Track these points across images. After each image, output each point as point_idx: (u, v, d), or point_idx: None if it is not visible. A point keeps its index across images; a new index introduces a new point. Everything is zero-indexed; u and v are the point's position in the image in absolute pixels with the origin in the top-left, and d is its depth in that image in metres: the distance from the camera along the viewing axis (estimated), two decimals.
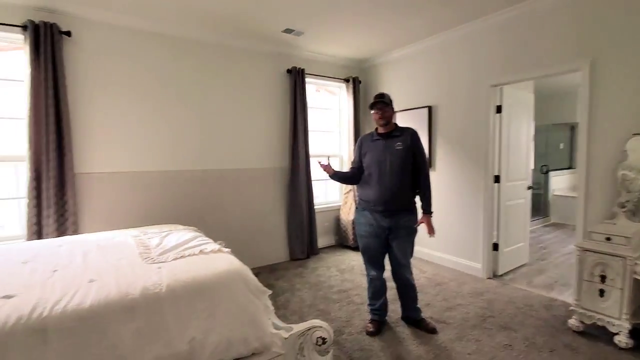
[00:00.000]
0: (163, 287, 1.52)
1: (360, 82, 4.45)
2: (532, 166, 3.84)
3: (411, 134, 2.28)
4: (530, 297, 2.87)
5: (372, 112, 2.28)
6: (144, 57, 3.08)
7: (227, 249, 2.02)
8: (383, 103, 2.23)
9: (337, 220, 4.51)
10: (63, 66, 2.66)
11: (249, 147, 3.73)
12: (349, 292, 3.02)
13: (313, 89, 4.51)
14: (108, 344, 1.33)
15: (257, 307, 1.69)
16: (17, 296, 1.38)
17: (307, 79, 4.03)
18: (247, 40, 3.58)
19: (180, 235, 2.22)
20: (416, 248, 4.07)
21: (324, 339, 1.69)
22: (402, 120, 4.09)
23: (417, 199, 2.32)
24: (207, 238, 2.24)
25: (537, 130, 5.96)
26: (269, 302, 1.82)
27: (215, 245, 2.02)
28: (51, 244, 2.12)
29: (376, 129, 2.38)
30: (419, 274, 3.41)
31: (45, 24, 2.57)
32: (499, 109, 3.28)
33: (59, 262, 1.78)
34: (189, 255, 1.85)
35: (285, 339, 1.66)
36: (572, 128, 6.41)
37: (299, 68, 3.90)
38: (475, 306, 2.71)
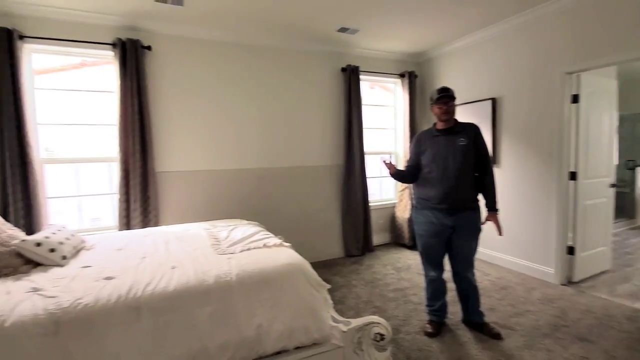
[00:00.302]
0: (233, 276, 1.66)
1: (416, 76, 4.33)
2: (615, 161, 3.40)
3: (474, 130, 2.20)
4: (611, 307, 2.57)
5: (436, 106, 2.19)
6: (212, 65, 3.35)
7: (287, 244, 2.14)
8: (448, 97, 2.16)
9: (393, 217, 4.46)
10: (145, 77, 3.00)
11: (305, 146, 3.85)
12: (405, 291, 2.98)
13: (368, 86, 4.50)
14: (188, 324, 1.50)
15: (317, 300, 1.77)
16: (116, 278, 1.62)
17: (361, 76, 4.03)
18: (303, 41, 3.70)
19: (245, 229, 2.40)
20: (478, 249, 3.88)
21: (382, 335, 1.71)
22: (463, 114, 3.90)
23: (480, 197, 2.23)
24: (269, 232, 2.38)
25: (622, 121, 5.25)
26: (328, 296, 1.89)
27: (276, 240, 2.15)
28: (139, 234, 2.43)
29: (434, 124, 2.31)
30: (482, 277, 3.24)
31: (130, 40, 2.92)
32: (575, 99, 2.97)
33: (146, 250, 2.04)
34: (254, 248, 1.99)
35: (344, 332, 1.71)
36: None
37: (353, 66, 3.92)
38: (547, 314, 2.51)
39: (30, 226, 2.66)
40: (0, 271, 1.67)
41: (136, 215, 2.93)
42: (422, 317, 2.52)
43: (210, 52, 3.34)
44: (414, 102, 4.28)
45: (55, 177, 3.06)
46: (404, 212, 4.23)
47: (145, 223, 2.99)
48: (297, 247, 2.04)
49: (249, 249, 1.97)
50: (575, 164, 3.02)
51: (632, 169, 5.27)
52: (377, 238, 4.34)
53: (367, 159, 4.15)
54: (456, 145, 2.15)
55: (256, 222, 2.81)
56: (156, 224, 3.01)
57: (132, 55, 2.92)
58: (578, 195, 3.04)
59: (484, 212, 2.24)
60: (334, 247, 4.04)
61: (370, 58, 4.15)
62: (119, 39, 2.90)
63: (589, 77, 3.01)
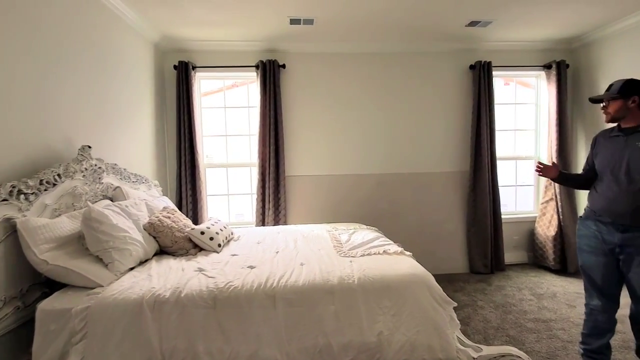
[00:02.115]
0: (355, 279, 1.71)
1: (567, 66, 3.61)
2: None
3: None
4: None
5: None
6: (338, 75, 3.57)
7: (408, 252, 2.07)
8: (606, 96, 1.83)
9: (532, 234, 3.81)
10: (280, 92, 3.40)
11: (429, 151, 3.68)
12: (549, 324, 2.50)
13: (501, 83, 4.00)
14: (315, 318, 1.61)
15: (441, 317, 1.66)
16: (257, 267, 1.86)
17: (494, 72, 3.61)
18: (429, 42, 3.55)
19: (365, 234, 2.44)
20: None
21: None
22: None
23: None
24: (388, 239, 2.36)
25: None
26: (455, 315, 1.75)
27: (397, 247, 2.11)
28: (272, 231, 2.76)
29: (619, 123, 1.89)
30: None
31: (269, 61, 3.36)
32: None
33: (279, 245, 2.29)
34: (374, 254, 2.01)
35: (474, 358, 1.55)
36: None
37: (484, 62, 3.54)
38: None
39: (195, 218, 3.33)
40: (177, 251, 2.15)
41: (270, 213, 3.33)
42: (574, 358, 2.07)
43: (337, 63, 3.56)
44: (563, 97, 3.57)
45: (212, 178, 3.75)
46: (547, 228, 3.57)
47: (277, 221, 3.37)
48: (416, 257, 1.95)
49: (369, 254, 2.00)
50: None
51: None
52: (510, 256, 3.78)
53: (499, 165, 3.67)
54: (635, 147, 1.75)
55: (375, 228, 2.82)
56: (285, 223, 3.37)
57: (270, 74, 3.35)
58: None
59: None
60: (456, 261, 3.71)
61: (505, 51, 3.67)
62: (261, 61, 3.36)
63: None
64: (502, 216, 3.67)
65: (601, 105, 1.90)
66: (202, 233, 2.23)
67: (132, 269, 1.84)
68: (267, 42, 3.40)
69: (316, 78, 3.55)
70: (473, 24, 3.14)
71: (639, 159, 1.71)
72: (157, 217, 2.14)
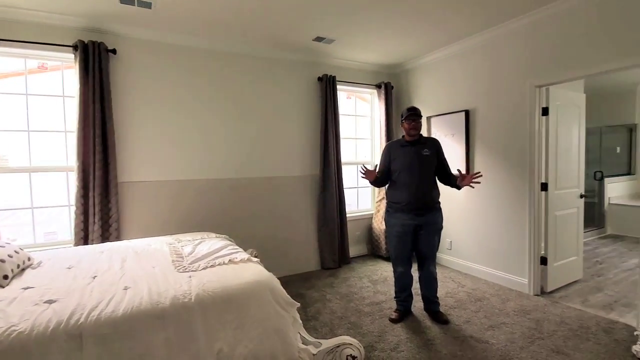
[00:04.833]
0: (192, 296, 1.53)
1: (392, 87, 4.35)
2: (584, 172, 3.50)
3: (435, 143, 2.59)
4: (585, 318, 2.58)
5: (406, 122, 2.54)
6: (182, 71, 3.22)
7: (256, 259, 2.02)
8: (416, 115, 2.51)
9: (370, 229, 4.40)
10: (109, 82, 2.84)
11: (281, 155, 3.75)
12: (381, 305, 2.90)
13: (344, 96, 4.48)
14: (139, 352, 1.36)
15: (285, 320, 1.65)
16: (59, 301, 1.45)
17: (338, 86, 4.00)
18: (279, 50, 3.63)
19: (211, 243, 2.25)
20: (454, 260, 3.86)
21: (354, 357, 1.61)
22: (437, 125, 3.93)
23: (440, 199, 2.59)
24: (237, 247, 2.25)
25: (590, 133, 5.46)
26: (298, 315, 1.78)
27: (244, 255, 2.03)
28: (94, 250, 2.24)
29: (403, 136, 2.65)
30: (458, 288, 3.21)
31: (93, 43, 2.76)
32: (545, 111, 3.03)
33: (99, 268, 1.86)
34: (218, 265, 1.86)
35: (314, 355, 1.60)
36: (631, 130, 5.81)
37: (330, 75, 3.89)
38: (522, 326, 2.49)
39: None
40: None
41: (95, 229, 2.71)
42: (397, 332, 2.44)
43: (181, 58, 3.22)
44: (390, 112, 4.29)
45: (8, 187, 2.82)
46: (381, 223, 4.18)
47: (105, 238, 2.78)
48: (271, 260, 1.93)
49: (212, 266, 1.84)
50: (545, 175, 3.07)
51: (600, 179, 5.48)
52: (353, 250, 4.26)
53: (344, 169, 4.09)
54: (421, 155, 2.51)
55: (225, 236, 2.67)
56: (117, 238, 2.81)
57: (94, 59, 2.76)
58: (550, 206, 3.08)
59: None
60: (310, 260, 3.92)
61: (347, 68, 4.14)
62: (81, 41, 2.74)
63: (558, 90, 3.09)
64: (347, 215, 4.10)
65: (412, 121, 2.52)
66: None
67: None
68: (90, 19, 2.79)
69: (159, 71, 3.12)
70: (319, 39, 3.39)
71: (426, 163, 2.49)
72: None
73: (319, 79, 3.90)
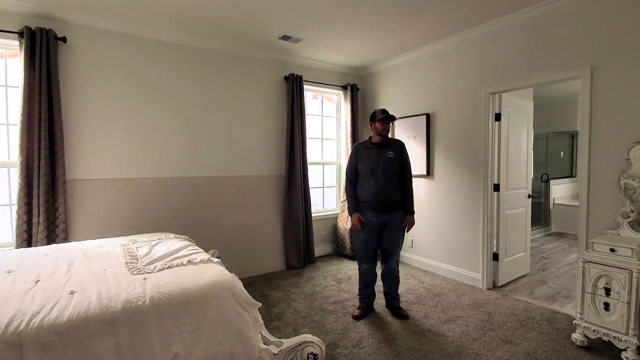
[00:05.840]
0: (146, 299, 1.46)
1: (358, 89, 4.43)
2: (531, 174, 3.78)
3: (400, 145, 2.66)
4: (531, 309, 2.78)
5: (378, 123, 2.58)
6: (137, 64, 3.06)
7: (216, 259, 1.97)
8: (389, 118, 2.56)
9: (335, 228, 4.45)
10: (57, 72, 2.64)
11: (246, 154, 3.68)
12: (345, 303, 2.94)
13: (311, 96, 4.49)
14: (87, 359, 1.27)
15: (245, 321, 1.63)
16: None
17: (305, 86, 4.01)
18: (244, 47, 3.57)
19: (170, 244, 2.17)
20: (415, 257, 4.00)
21: (315, 355, 1.62)
22: (400, 127, 4.06)
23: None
24: (197, 247, 2.19)
25: (537, 138, 5.92)
26: (259, 315, 1.76)
27: (204, 255, 1.97)
28: (38, 253, 2.08)
29: (369, 137, 2.71)
30: (417, 284, 3.34)
31: (41, 30, 2.56)
32: (497, 117, 3.23)
33: (42, 271, 1.73)
34: (176, 266, 1.80)
35: (275, 354, 1.59)
36: (573, 136, 6.36)
37: (297, 75, 3.88)
38: (475, 318, 2.63)
39: None
40: None
41: (40, 229, 2.51)
42: (360, 329, 2.49)
43: (138, 50, 3.06)
44: (355, 113, 4.36)
45: None
46: (345, 223, 4.24)
47: (52, 239, 2.58)
48: (234, 261, 1.89)
49: (170, 267, 1.77)
50: (498, 177, 3.27)
51: (546, 181, 5.94)
52: (319, 249, 4.29)
53: (310, 169, 4.11)
54: (386, 156, 2.58)
55: (185, 236, 2.58)
56: (65, 240, 2.62)
57: (42, 47, 2.56)
58: (501, 205, 3.29)
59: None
60: (274, 260, 3.89)
61: (314, 68, 4.16)
62: (28, 28, 2.53)
63: (509, 97, 3.31)
64: (313, 215, 4.12)
65: (385, 123, 2.58)
66: None
67: None
68: (39, 4, 2.58)
69: (115, 63, 2.95)
70: (285, 38, 3.38)
71: (390, 164, 2.56)
72: None
73: (286, 78, 3.88)
